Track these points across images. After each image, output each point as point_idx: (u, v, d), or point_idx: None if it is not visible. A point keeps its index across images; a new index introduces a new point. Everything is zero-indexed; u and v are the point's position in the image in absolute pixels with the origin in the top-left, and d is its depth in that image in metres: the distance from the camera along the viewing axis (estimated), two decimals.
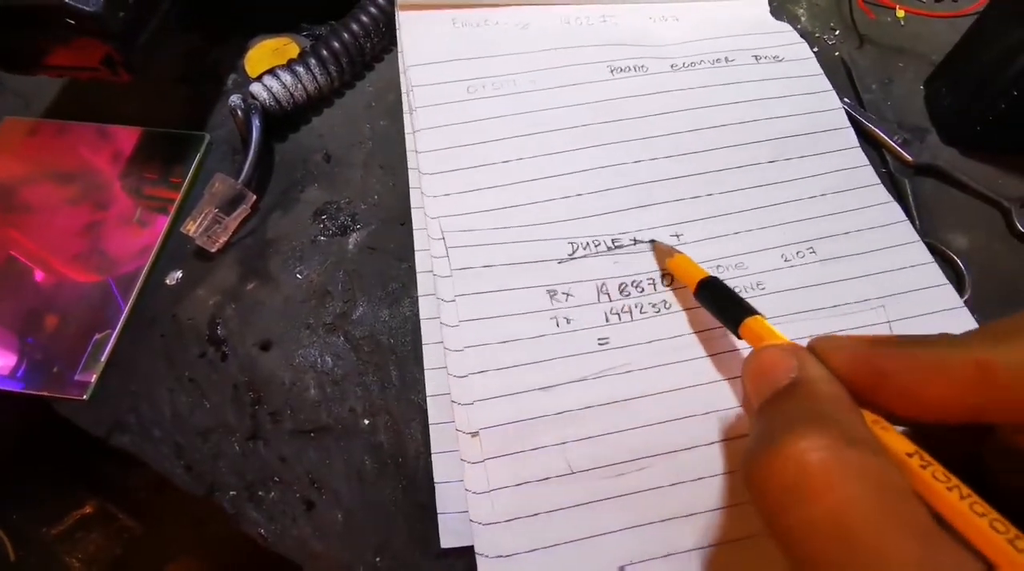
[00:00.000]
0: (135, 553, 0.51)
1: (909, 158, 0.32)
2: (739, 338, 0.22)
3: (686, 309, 0.26)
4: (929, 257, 0.28)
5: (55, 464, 0.49)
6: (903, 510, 0.12)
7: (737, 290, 0.26)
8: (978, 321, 0.27)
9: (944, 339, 0.15)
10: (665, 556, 0.22)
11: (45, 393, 0.26)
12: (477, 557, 0.21)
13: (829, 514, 0.13)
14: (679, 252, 0.26)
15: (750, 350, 0.20)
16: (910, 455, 0.14)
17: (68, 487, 0.51)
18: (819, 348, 0.17)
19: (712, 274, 0.24)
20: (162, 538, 0.52)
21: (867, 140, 0.32)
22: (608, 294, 0.26)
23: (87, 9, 0.25)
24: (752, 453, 0.15)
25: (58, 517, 0.50)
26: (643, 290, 0.26)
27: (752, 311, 0.22)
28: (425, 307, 0.27)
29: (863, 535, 0.12)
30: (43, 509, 0.50)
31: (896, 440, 0.15)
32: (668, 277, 0.27)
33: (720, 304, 0.23)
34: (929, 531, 0.12)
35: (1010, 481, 0.15)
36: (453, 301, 0.25)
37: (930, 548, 0.12)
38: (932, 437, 0.16)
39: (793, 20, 0.36)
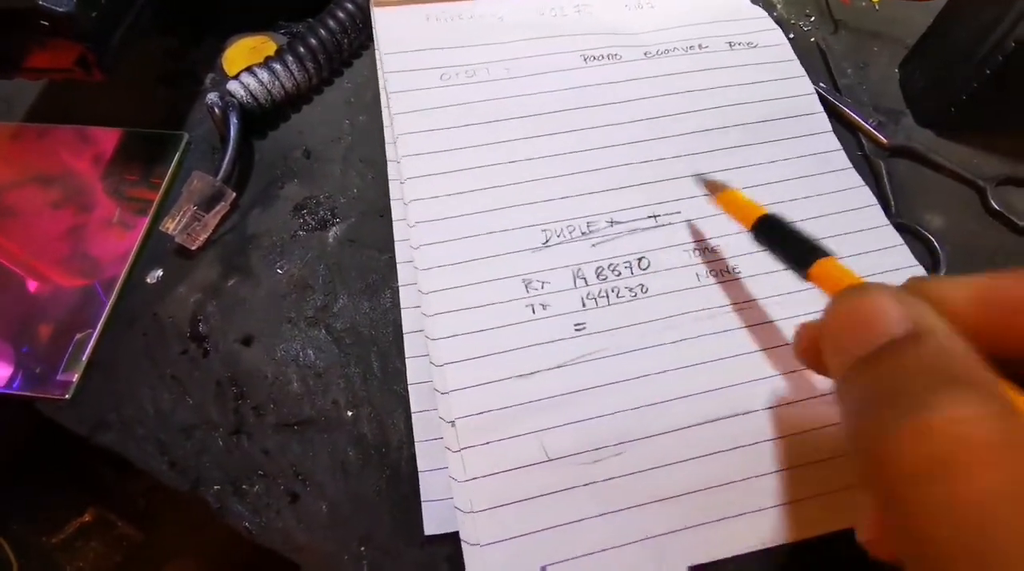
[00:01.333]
0: (135, 560, 0.51)
1: (884, 140, 0.32)
2: (807, 281, 0.20)
3: (663, 293, 0.26)
4: (899, 240, 0.28)
5: (54, 474, 0.49)
6: None
7: (714, 273, 0.27)
8: None
9: None
10: (643, 540, 0.22)
11: (27, 393, 0.26)
12: (463, 544, 0.22)
13: (982, 498, 0.11)
14: (730, 187, 0.25)
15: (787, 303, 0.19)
16: None
17: (67, 496, 0.51)
18: (930, 292, 0.15)
19: (770, 212, 0.23)
20: (162, 544, 0.52)
21: (843, 124, 0.33)
22: (584, 279, 0.26)
23: (59, 10, 0.25)
24: (879, 418, 0.13)
25: (58, 526, 0.50)
26: (620, 274, 0.26)
27: (824, 252, 0.20)
28: (406, 297, 0.27)
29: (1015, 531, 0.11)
30: (43, 518, 0.50)
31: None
32: (645, 260, 0.27)
33: (783, 244, 0.22)
34: None
35: None
36: (428, 294, 0.25)
37: None
38: None
39: (769, 8, 0.37)
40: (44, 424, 0.26)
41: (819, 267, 0.20)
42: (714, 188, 0.26)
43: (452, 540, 0.22)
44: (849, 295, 0.16)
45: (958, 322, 0.14)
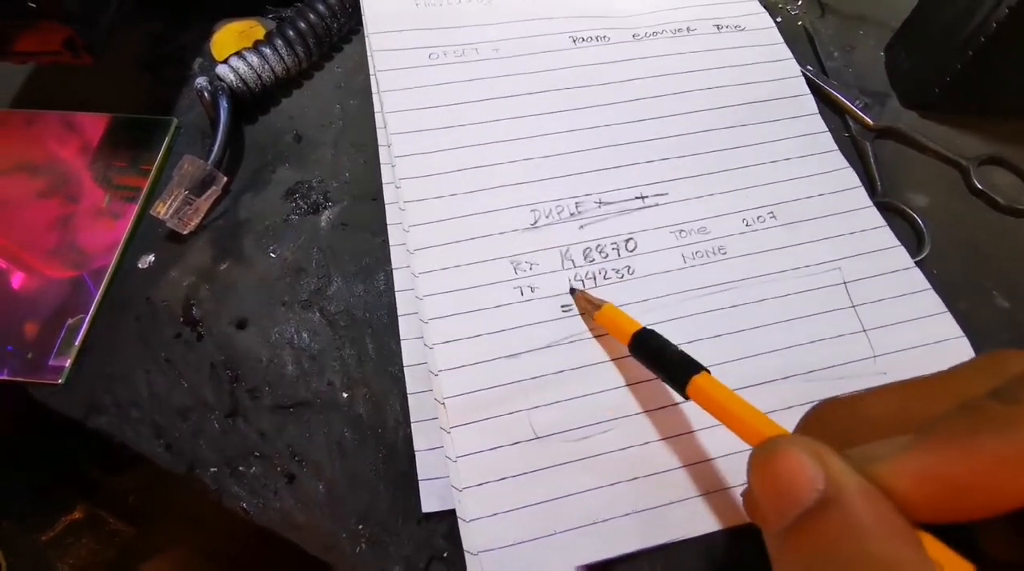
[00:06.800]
0: (128, 556, 0.51)
1: (870, 122, 0.32)
2: (686, 399, 0.20)
3: (649, 274, 0.26)
4: (882, 221, 0.29)
5: (41, 471, 0.49)
6: None
7: (700, 255, 0.27)
8: (931, 278, 0.27)
9: (989, 418, 0.13)
10: (633, 513, 0.22)
11: (20, 379, 0.26)
12: (458, 520, 0.22)
13: None
14: (605, 301, 0.24)
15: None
16: None
17: (56, 494, 0.50)
18: (865, 469, 0.13)
19: (646, 326, 0.22)
20: (155, 539, 0.52)
21: (830, 106, 0.33)
22: (572, 260, 0.26)
23: None
24: None
25: (48, 524, 0.50)
26: (607, 256, 0.27)
27: (698, 367, 0.20)
28: (400, 280, 0.27)
29: None
30: (32, 516, 0.50)
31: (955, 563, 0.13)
32: (632, 242, 0.27)
33: (658, 359, 0.22)
34: None
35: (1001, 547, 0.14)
36: (420, 275, 0.26)
37: None
38: None
39: None
40: (33, 419, 0.26)
41: (694, 384, 0.20)
42: (591, 306, 0.25)
43: (450, 517, 0.22)
44: (763, 453, 0.15)
45: (891, 497, 0.13)
